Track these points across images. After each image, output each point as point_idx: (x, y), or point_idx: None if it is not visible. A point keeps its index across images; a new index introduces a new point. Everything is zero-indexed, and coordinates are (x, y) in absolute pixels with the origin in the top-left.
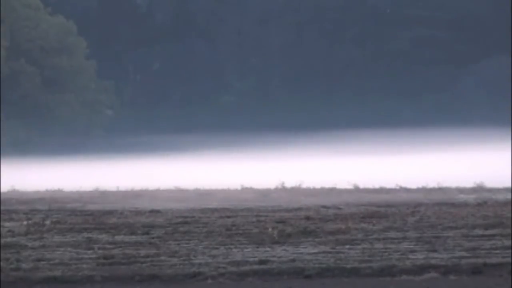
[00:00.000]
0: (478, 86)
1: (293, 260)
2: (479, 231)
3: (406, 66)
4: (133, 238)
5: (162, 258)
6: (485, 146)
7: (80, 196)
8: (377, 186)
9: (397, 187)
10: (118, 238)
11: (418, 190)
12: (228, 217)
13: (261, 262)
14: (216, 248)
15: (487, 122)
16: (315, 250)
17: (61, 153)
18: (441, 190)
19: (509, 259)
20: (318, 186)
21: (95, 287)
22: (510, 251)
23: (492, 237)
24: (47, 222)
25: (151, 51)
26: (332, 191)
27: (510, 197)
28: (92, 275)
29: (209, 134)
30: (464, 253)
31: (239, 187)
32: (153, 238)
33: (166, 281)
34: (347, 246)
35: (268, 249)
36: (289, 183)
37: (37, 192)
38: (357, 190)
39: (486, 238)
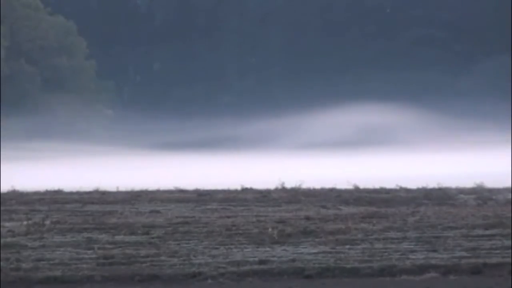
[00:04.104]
0: (478, 86)
1: (293, 260)
2: (479, 231)
3: (406, 66)
4: (133, 238)
5: (162, 258)
6: (485, 146)
7: (80, 196)
8: (377, 186)
9: (397, 187)
10: (118, 238)
11: (418, 190)
12: (228, 217)
13: (261, 262)
14: (216, 248)
15: (487, 122)
16: (315, 250)
17: (61, 153)
18: (441, 190)
19: (509, 259)
20: (318, 186)
21: (95, 287)
22: (510, 251)
23: (492, 237)
24: (47, 222)
25: (151, 51)
26: (332, 191)
27: (510, 197)
28: (92, 275)
29: (209, 134)
30: (464, 253)
31: (239, 187)
32: (153, 238)
33: (166, 281)
34: (347, 246)
35: (268, 249)
36: (289, 183)
37: (37, 192)
38: (357, 190)
39: (486, 238)
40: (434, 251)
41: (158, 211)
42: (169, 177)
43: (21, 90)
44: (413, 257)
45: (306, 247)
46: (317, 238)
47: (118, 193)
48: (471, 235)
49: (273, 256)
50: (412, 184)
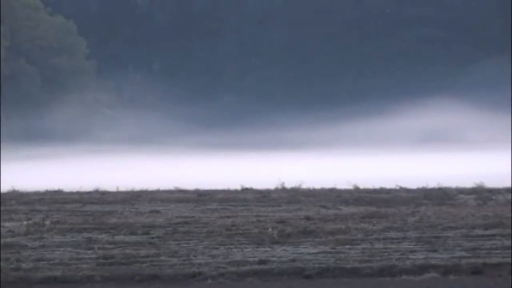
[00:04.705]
0: (478, 86)
1: (293, 260)
2: (479, 231)
3: (406, 66)
4: (133, 238)
5: (162, 258)
6: (485, 146)
7: (80, 196)
8: (377, 186)
9: (397, 187)
10: (118, 238)
11: (418, 190)
12: (228, 217)
13: (261, 262)
14: (216, 248)
15: (487, 122)
16: (315, 250)
17: (61, 153)
18: (441, 190)
19: (509, 259)
20: (318, 186)
21: (95, 287)
22: (510, 251)
23: (492, 237)
24: (47, 222)
25: (151, 51)
26: (332, 191)
27: (510, 197)
28: (92, 275)
29: (209, 134)
30: (464, 253)
31: (239, 187)
32: (153, 238)
33: (166, 281)
34: (347, 246)
35: (268, 249)
36: (289, 183)
37: (37, 192)
38: (357, 190)
39: (486, 238)
40: (434, 251)
41: (158, 211)
42: (169, 177)
43: (21, 90)
44: (413, 257)
45: (306, 247)
46: (317, 238)
47: (118, 193)
48: (471, 235)
49: (273, 256)
50: (412, 184)
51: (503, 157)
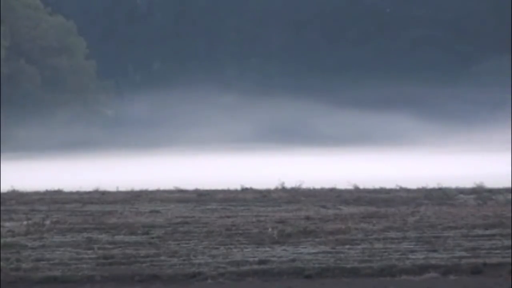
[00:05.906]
0: (478, 86)
1: (293, 260)
2: (479, 231)
3: (406, 66)
4: (133, 238)
5: (162, 258)
6: (485, 146)
7: (80, 196)
8: (377, 186)
9: (397, 187)
10: (118, 238)
11: (418, 190)
12: (228, 217)
13: (261, 262)
14: (216, 248)
15: (487, 123)
16: (315, 250)
17: (61, 153)
18: (441, 190)
19: (509, 259)
20: (318, 186)
21: (95, 287)
22: (510, 251)
23: (492, 237)
24: (47, 222)
25: (151, 51)
26: (332, 191)
27: (510, 197)
28: (92, 275)
29: (209, 134)
30: (464, 253)
31: (239, 187)
32: (153, 238)
33: (166, 281)
34: (347, 246)
35: (268, 249)
36: (289, 183)
37: (37, 192)
38: (357, 190)
39: (486, 238)
40: (434, 251)
41: (158, 211)
42: (169, 177)
43: (21, 90)
44: (413, 257)
45: (306, 247)
46: (317, 238)
47: (118, 193)
48: (471, 235)
49: (273, 256)
50: (412, 184)
51: (503, 157)
